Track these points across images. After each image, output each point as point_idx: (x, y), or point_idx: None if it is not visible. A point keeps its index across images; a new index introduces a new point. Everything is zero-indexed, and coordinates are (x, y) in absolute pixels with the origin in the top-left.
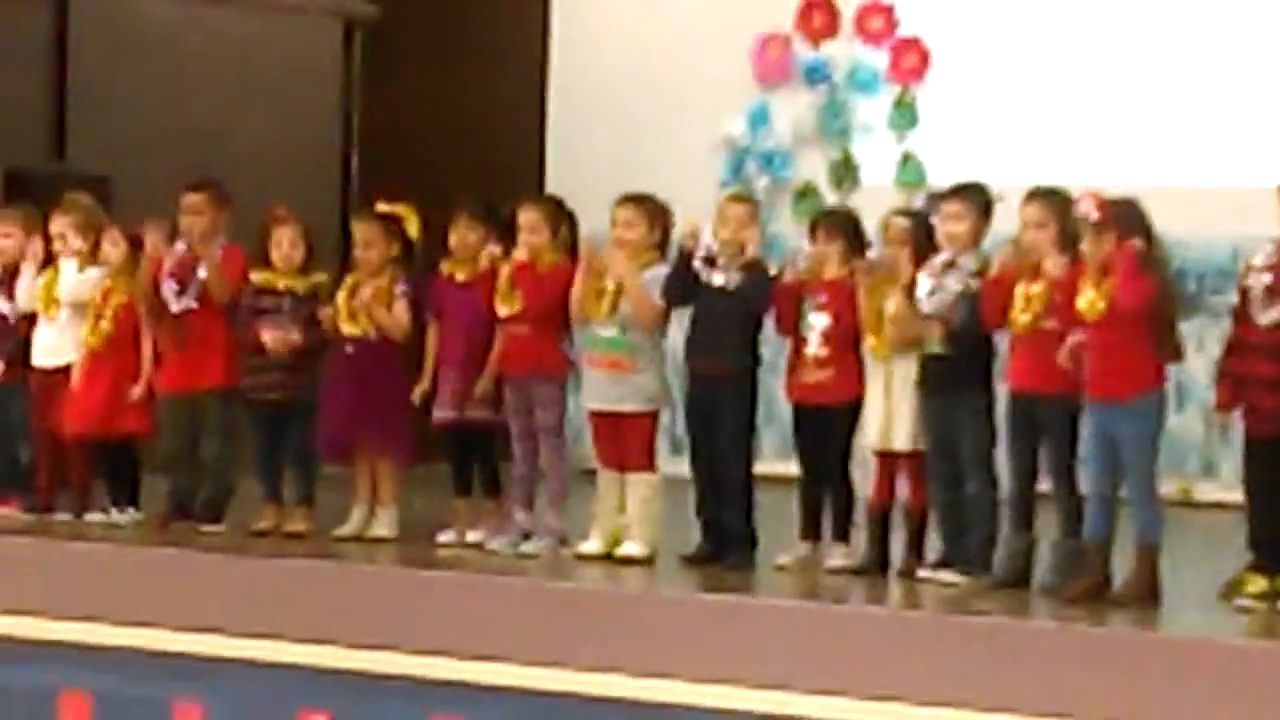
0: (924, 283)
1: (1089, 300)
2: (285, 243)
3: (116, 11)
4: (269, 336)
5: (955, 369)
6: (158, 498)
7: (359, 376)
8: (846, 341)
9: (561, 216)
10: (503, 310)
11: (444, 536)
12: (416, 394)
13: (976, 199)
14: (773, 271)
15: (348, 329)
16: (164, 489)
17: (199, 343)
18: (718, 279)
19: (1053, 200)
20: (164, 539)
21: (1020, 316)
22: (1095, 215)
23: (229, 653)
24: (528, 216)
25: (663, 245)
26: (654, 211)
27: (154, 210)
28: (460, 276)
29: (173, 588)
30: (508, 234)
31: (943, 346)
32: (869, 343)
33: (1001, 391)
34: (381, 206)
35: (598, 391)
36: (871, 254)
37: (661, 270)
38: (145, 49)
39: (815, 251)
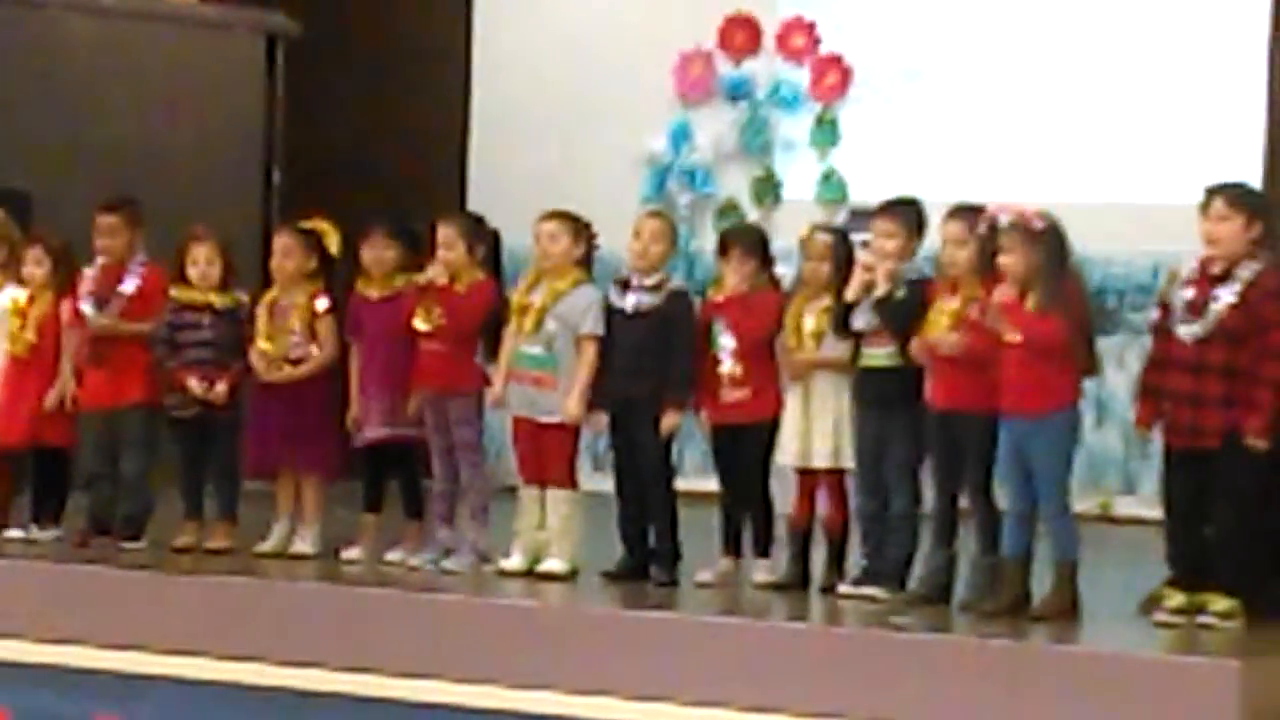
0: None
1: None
2: (202, 259)
3: (37, 27)
4: (194, 383)
5: (892, 384)
6: (78, 514)
7: (286, 393)
8: (758, 358)
9: (478, 233)
10: (421, 326)
11: (349, 553)
12: (350, 420)
13: (908, 215)
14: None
15: (267, 349)
16: (84, 505)
17: (120, 359)
18: (630, 303)
19: (974, 218)
20: (84, 555)
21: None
22: (1039, 225)
23: (150, 669)
24: (444, 232)
25: (586, 262)
26: (578, 227)
27: (75, 226)
28: (374, 295)
29: (93, 604)
30: (423, 251)
31: (891, 360)
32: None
33: None
34: (303, 223)
35: (520, 400)
36: (790, 270)
37: (589, 289)
38: (66, 65)
39: (719, 269)
